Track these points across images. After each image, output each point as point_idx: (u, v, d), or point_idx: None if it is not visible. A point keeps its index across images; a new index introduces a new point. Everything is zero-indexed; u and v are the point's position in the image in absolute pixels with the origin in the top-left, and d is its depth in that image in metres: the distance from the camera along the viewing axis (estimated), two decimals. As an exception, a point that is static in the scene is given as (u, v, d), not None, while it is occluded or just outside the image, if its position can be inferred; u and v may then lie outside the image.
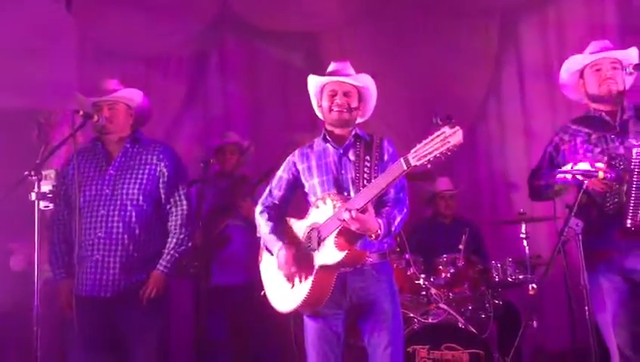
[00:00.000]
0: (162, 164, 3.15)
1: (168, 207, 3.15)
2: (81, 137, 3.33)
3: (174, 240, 3.11)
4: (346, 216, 2.41)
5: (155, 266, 3.06)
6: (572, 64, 2.99)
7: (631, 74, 2.88)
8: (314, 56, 5.19)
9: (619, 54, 2.91)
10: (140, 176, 3.11)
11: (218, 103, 5.20)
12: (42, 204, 2.64)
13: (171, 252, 3.08)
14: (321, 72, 2.85)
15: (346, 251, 2.48)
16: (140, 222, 3.07)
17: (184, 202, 3.16)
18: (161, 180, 3.14)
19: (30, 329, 2.56)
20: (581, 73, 2.97)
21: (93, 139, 3.25)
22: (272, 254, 2.73)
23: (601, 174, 2.65)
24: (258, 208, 2.84)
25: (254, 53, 5.27)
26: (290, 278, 2.62)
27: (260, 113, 5.16)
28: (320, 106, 2.84)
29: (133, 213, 3.06)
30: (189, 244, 3.16)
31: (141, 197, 3.08)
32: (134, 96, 3.24)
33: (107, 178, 3.10)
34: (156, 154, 3.17)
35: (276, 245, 2.69)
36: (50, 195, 2.65)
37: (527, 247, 4.07)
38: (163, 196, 3.14)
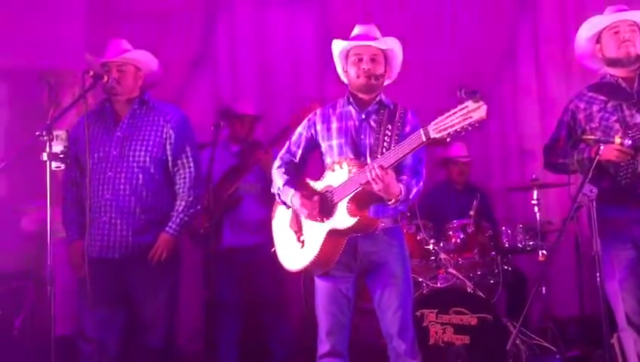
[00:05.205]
0: (169, 126, 3.12)
1: (175, 169, 3.14)
2: (91, 98, 3.31)
3: (183, 203, 3.10)
4: (372, 174, 2.37)
5: (164, 229, 3.06)
6: (590, 26, 2.91)
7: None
8: (324, 19, 5.10)
9: (637, 16, 2.84)
10: (146, 139, 3.09)
11: (226, 65, 5.15)
12: (54, 164, 2.62)
13: (180, 215, 3.09)
14: (335, 35, 2.78)
15: (357, 217, 2.48)
16: (148, 185, 3.06)
17: (192, 164, 3.14)
18: (168, 142, 3.11)
19: (45, 288, 2.59)
20: (598, 38, 2.91)
21: (102, 100, 3.22)
22: (287, 207, 2.72)
23: (617, 140, 2.61)
24: (276, 163, 2.82)
25: (262, 14, 5.18)
26: (313, 218, 2.57)
27: (268, 76, 5.10)
28: (345, 72, 2.77)
29: (140, 176, 3.05)
30: (198, 207, 3.16)
31: (148, 159, 3.07)
32: (144, 58, 3.19)
33: (115, 140, 3.09)
34: (163, 116, 3.14)
35: (289, 192, 2.67)
36: (61, 156, 2.63)
37: (538, 214, 4.05)
38: (170, 158, 3.12)
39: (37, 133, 2.62)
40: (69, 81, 4.29)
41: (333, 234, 2.54)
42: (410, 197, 2.55)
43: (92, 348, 3.00)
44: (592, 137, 2.75)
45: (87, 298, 2.81)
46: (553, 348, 3.84)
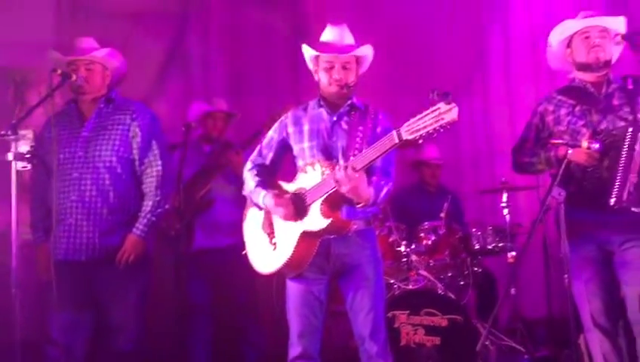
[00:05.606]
0: (135, 124, 3.07)
1: (142, 167, 3.08)
2: (58, 97, 3.25)
3: (150, 203, 3.05)
4: (340, 173, 2.37)
5: (131, 230, 3.01)
6: (561, 30, 2.94)
7: (618, 43, 2.87)
8: (297, 18, 5.09)
9: (608, 22, 2.88)
10: (112, 138, 3.04)
11: (198, 65, 5.11)
12: (20, 164, 2.57)
13: (147, 215, 3.03)
14: (305, 36, 2.77)
15: (331, 219, 2.48)
16: (114, 185, 3.01)
17: (159, 162, 3.08)
18: (134, 141, 3.06)
19: (9, 291, 2.53)
20: (569, 42, 2.94)
21: (68, 101, 3.16)
22: (259, 208, 2.71)
23: (584, 143, 2.65)
24: (247, 165, 2.81)
25: (236, 14, 5.15)
26: (289, 218, 2.56)
27: (241, 76, 5.07)
28: (316, 73, 2.76)
29: (107, 176, 3.00)
30: (166, 206, 3.11)
31: (114, 159, 3.02)
32: (112, 56, 3.15)
33: (80, 140, 3.03)
34: (129, 113, 3.09)
35: (261, 193, 2.66)
36: (27, 156, 2.58)
37: (507, 216, 4.11)
38: (137, 157, 3.07)
39: (2, 133, 2.56)
40: (35, 79, 4.20)
41: (306, 236, 2.53)
42: (379, 200, 2.55)
43: (58, 351, 2.93)
44: (560, 141, 2.79)
45: (53, 301, 2.75)
46: (522, 349, 3.90)
